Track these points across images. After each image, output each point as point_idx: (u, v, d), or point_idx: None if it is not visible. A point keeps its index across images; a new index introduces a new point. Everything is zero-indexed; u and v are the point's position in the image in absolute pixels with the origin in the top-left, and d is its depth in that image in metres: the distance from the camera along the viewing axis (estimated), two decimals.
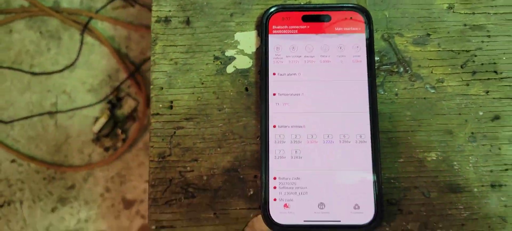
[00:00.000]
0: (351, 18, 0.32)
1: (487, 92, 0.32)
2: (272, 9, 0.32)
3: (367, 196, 0.29)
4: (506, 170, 0.31)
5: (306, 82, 0.31)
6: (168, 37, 0.34)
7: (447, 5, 0.33)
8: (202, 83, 0.33)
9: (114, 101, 0.96)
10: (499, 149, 0.31)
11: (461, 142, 0.31)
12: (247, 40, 0.33)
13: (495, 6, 0.33)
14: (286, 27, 0.32)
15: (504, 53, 0.32)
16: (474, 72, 0.32)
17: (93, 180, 0.95)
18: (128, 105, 0.97)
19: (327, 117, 0.31)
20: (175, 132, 0.32)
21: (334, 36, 0.32)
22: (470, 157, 0.31)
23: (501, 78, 0.32)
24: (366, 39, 0.32)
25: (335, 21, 0.32)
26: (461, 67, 0.32)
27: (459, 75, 0.32)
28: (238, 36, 0.33)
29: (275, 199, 0.29)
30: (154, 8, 0.34)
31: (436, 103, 0.32)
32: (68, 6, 0.99)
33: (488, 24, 0.33)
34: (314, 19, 0.32)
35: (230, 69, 0.33)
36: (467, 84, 0.32)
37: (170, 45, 0.33)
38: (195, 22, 0.34)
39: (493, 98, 0.32)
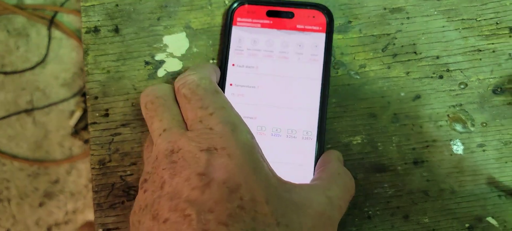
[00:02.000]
0: (313, 17, 0.33)
1: (408, 73, 0.33)
2: (239, 2, 0.33)
3: None
4: (427, 146, 0.33)
5: (262, 76, 0.32)
6: (99, 46, 0.34)
7: None
8: (135, 89, 0.34)
9: None
10: (421, 127, 0.33)
11: (384, 124, 0.33)
12: (176, 42, 0.34)
13: None
14: (250, 20, 0.33)
15: (423, 34, 0.34)
16: (394, 55, 0.33)
17: (76, 173, 0.98)
18: None
19: (278, 111, 0.32)
20: (113, 139, 0.34)
21: (295, 33, 0.33)
22: (393, 137, 0.33)
23: (420, 58, 0.33)
24: (326, 39, 0.32)
25: (298, 19, 0.33)
26: (382, 51, 0.34)
27: (380, 59, 0.33)
28: (166, 39, 0.34)
29: None
30: (83, 19, 0.35)
31: (359, 89, 0.33)
32: (32, 1, 0.98)
33: (406, 6, 0.34)
34: (278, 15, 0.33)
35: (161, 73, 0.34)
36: (389, 67, 0.33)
37: (102, 55, 0.34)
38: (124, 29, 0.34)
39: (414, 78, 0.33)
